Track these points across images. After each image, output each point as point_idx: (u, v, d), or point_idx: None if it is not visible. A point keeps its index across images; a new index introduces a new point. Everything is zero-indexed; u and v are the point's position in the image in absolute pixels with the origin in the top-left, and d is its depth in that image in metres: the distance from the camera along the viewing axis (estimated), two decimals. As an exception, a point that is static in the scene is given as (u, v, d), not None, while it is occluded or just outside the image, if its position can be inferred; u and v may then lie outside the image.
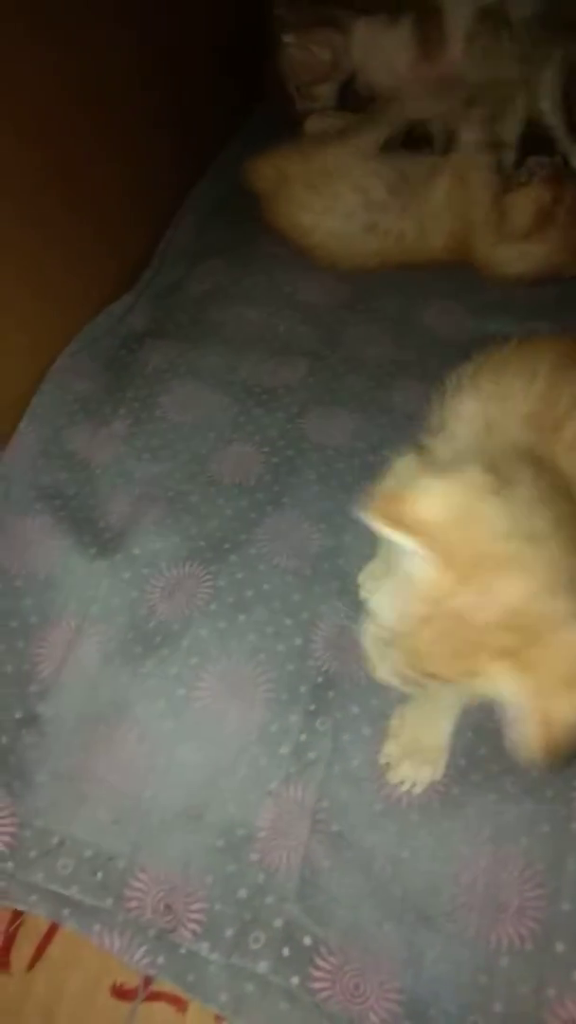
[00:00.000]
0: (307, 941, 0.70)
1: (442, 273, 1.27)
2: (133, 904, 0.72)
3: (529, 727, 0.53)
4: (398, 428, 1.04)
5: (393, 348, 1.17)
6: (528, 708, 0.53)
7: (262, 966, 0.69)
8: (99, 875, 0.74)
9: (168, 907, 0.72)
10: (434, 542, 0.56)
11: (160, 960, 0.70)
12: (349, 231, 1.23)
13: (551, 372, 0.73)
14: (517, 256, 1.22)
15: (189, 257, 1.33)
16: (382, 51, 1.38)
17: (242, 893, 0.73)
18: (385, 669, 0.63)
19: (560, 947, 0.68)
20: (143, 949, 0.71)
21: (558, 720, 0.52)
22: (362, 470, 1.00)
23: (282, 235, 1.29)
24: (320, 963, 0.69)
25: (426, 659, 0.58)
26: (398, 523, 0.56)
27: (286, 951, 0.70)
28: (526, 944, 0.69)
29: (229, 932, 0.71)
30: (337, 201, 1.22)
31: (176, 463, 1.02)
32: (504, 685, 0.55)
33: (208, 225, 1.39)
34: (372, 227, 1.22)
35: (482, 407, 0.75)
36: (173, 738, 0.80)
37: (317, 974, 0.69)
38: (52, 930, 0.75)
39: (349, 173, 1.22)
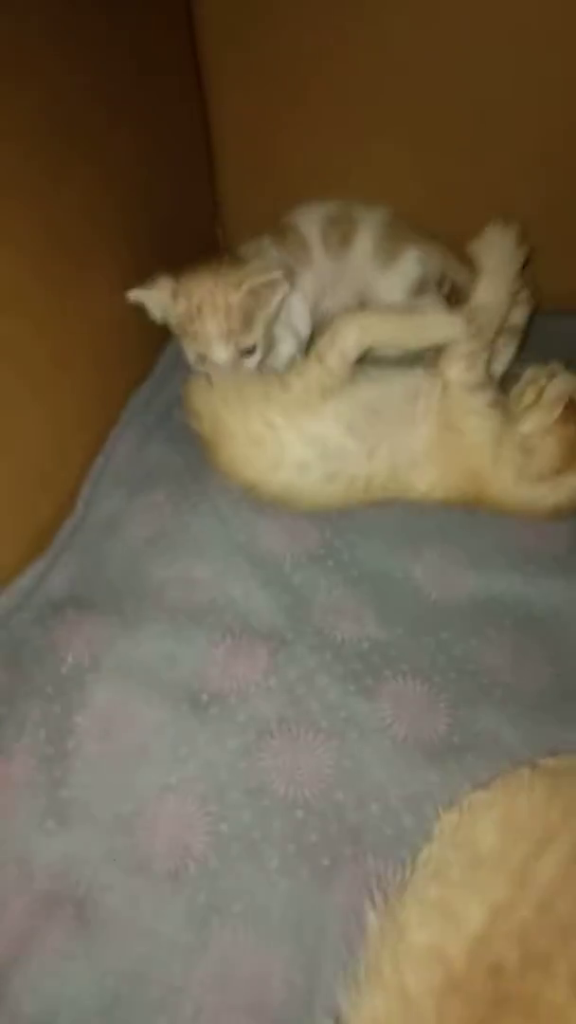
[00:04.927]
0: None
1: (430, 509, 1.02)
2: None
3: None
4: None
5: (375, 625, 0.93)
6: None
7: None
8: None
9: None
10: None
11: None
12: (307, 482, 0.99)
13: None
14: (547, 491, 0.98)
15: (128, 485, 1.09)
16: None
17: None
18: None
19: None
20: None
21: None
22: (340, 840, 0.75)
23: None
24: None
25: None
26: None
27: None
28: None
29: None
30: (285, 452, 0.99)
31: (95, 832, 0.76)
32: None
33: (149, 443, 1.15)
34: (333, 476, 0.99)
35: None
36: None
37: None
38: None
39: (295, 423, 0.99)
